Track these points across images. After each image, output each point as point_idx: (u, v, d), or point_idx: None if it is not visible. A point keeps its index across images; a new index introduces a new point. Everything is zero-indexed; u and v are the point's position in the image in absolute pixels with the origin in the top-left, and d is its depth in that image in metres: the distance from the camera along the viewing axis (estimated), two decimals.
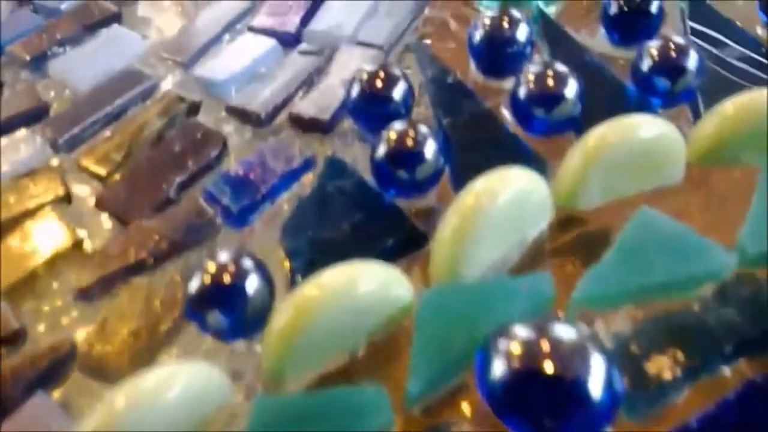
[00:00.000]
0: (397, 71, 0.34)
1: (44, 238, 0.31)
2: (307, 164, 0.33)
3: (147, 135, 0.35)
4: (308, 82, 0.38)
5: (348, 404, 0.25)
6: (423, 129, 0.31)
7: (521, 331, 0.23)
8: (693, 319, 0.27)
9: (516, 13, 0.37)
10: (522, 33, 0.37)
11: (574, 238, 0.31)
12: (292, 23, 0.41)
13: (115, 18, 0.43)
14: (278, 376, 0.26)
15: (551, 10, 0.42)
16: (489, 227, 0.28)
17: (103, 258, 0.30)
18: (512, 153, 0.33)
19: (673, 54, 0.34)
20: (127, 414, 0.23)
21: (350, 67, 0.38)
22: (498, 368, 0.23)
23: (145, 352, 0.27)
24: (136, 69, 0.39)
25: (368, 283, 0.26)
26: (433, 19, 0.42)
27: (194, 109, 0.37)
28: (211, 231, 0.31)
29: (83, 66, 0.40)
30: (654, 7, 0.38)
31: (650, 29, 0.38)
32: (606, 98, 0.35)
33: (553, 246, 0.30)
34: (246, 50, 0.39)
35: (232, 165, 0.33)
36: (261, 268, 0.27)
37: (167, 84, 0.39)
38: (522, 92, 0.33)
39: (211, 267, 0.26)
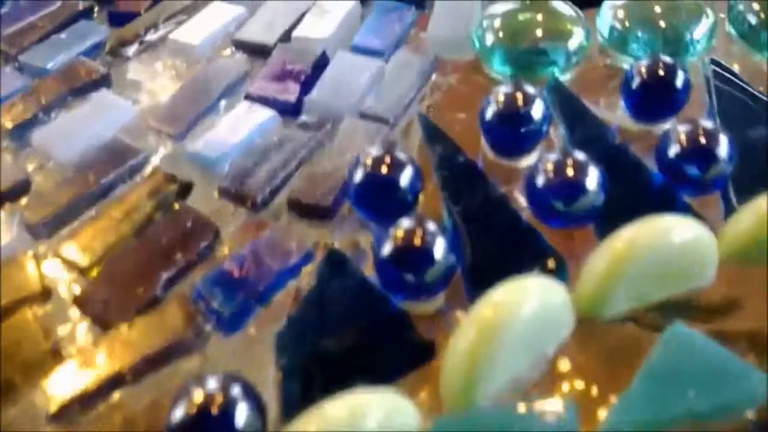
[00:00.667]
0: (403, 156, 0.32)
1: (17, 343, 0.29)
2: (306, 259, 0.31)
3: (133, 220, 0.33)
4: (309, 159, 0.35)
5: None
6: (431, 227, 0.29)
7: None
8: None
9: (530, 88, 0.34)
10: (537, 110, 0.34)
11: (597, 352, 0.28)
12: (291, 91, 0.38)
13: (104, 80, 0.41)
14: None
15: (567, 78, 0.39)
16: (508, 344, 0.25)
17: (82, 370, 0.27)
18: (530, 249, 0.30)
19: (703, 140, 0.32)
20: None
21: (354, 143, 0.35)
22: None
23: None
24: (124, 142, 0.36)
25: (372, 417, 0.24)
26: (441, 85, 0.40)
27: (185, 190, 0.34)
28: (200, 340, 0.28)
29: (68, 136, 0.37)
30: (680, 81, 0.35)
31: (676, 105, 0.35)
32: (629, 185, 0.33)
33: (574, 363, 0.28)
34: (242, 122, 0.37)
35: (224, 260, 0.30)
36: (251, 395, 0.24)
37: (157, 158, 0.36)
38: (539, 181, 0.31)
39: (197, 396, 0.24)
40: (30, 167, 0.36)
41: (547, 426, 0.24)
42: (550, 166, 0.31)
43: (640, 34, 0.40)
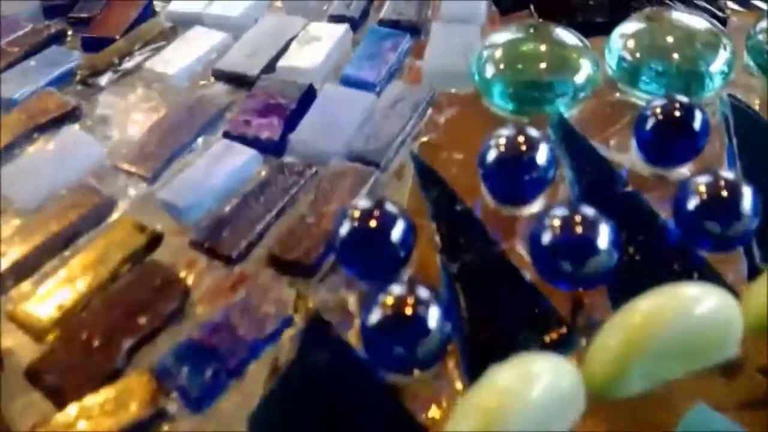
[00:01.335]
0: (394, 209, 0.29)
1: None
2: (285, 324, 0.28)
3: (97, 276, 0.30)
4: (291, 208, 0.32)
5: None
6: (424, 294, 0.26)
7: None
8: None
9: (534, 132, 0.31)
10: (542, 156, 0.31)
11: None
12: (275, 129, 0.35)
13: (74, 113, 0.38)
14: None
15: (573, 113, 0.36)
16: None
17: None
18: (534, 317, 0.27)
19: (725, 193, 0.29)
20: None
21: (341, 190, 0.32)
22: None
23: None
24: (91, 185, 0.33)
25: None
26: (437, 121, 0.37)
27: (155, 241, 0.31)
28: (164, 421, 0.25)
29: (33, 177, 0.34)
30: (698, 124, 0.32)
31: (693, 149, 0.32)
32: (643, 240, 0.30)
33: None
34: (219, 163, 0.33)
35: (193, 329, 0.27)
36: None
37: (127, 203, 0.33)
38: (545, 239, 0.28)
39: None
40: None
41: None
42: (556, 223, 0.28)
43: (652, 66, 0.37)
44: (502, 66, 0.37)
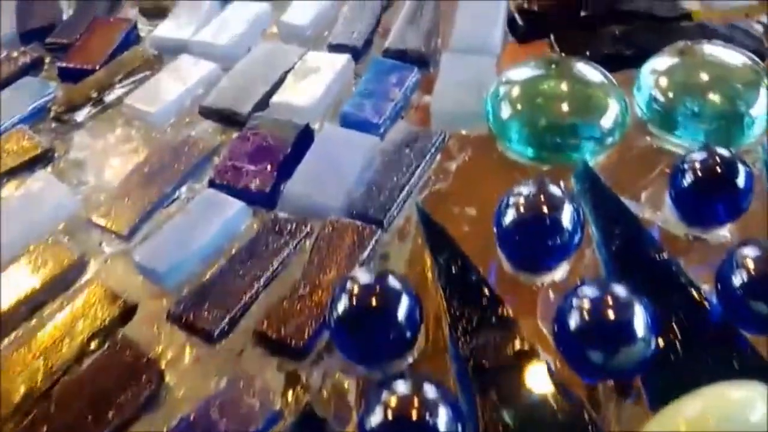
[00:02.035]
0: (398, 284, 0.25)
1: None
2: (272, 422, 0.24)
3: (64, 353, 0.26)
4: (281, 275, 0.28)
5: None
6: (432, 393, 0.22)
7: None
8: None
9: (557, 190, 0.28)
10: (567, 217, 0.27)
11: None
12: (266, 178, 0.32)
13: (48, 155, 0.34)
14: None
15: (599, 160, 0.32)
16: None
17: None
18: (559, 417, 0.24)
19: None
20: None
21: (339, 252, 0.28)
22: None
23: None
24: (61, 242, 0.30)
25: None
26: (446, 167, 0.33)
27: (128, 312, 0.28)
28: None
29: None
30: (742, 181, 0.28)
31: (735, 210, 0.29)
32: (680, 319, 0.26)
33: None
34: (204, 219, 0.30)
35: (168, 424, 0.24)
36: None
37: (99, 262, 0.30)
38: (572, 323, 0.24)
39: None
40: None
41: None
42: (585, 305, 0.24)
43: (686, 107, 0.33)
44: (519, 106, 0.33)
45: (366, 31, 0.39)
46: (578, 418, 0.23)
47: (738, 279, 0.25)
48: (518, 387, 0.24)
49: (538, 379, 0.24)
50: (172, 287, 0.28)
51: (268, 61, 0.37)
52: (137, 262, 0.29)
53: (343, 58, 0.37)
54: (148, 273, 0.29)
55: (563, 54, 0.37)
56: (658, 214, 0.30)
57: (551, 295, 0.27)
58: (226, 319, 0.26)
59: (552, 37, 0.38)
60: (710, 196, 0.29)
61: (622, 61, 0.36)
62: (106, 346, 0.27)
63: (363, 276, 0.25)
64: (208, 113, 0.35)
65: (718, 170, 0.28)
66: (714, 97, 0.33)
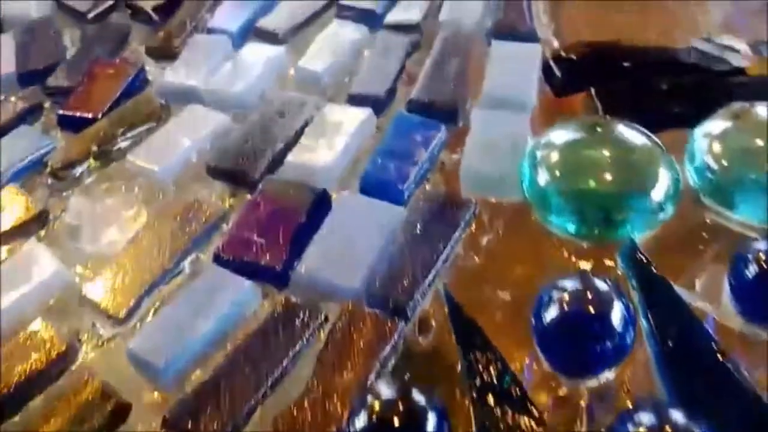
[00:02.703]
0: (423, 399, 0.22)
1: None
2: None
3: None
4: (290, 373, 0.25)
5: None
6: None
7: None
8: None
9: (604, 285, 0.25)
10: (617, 316, 0.24)
11: None
12: (278, 252, 0.29)
13: (41, 219, 0.31)
14: None
15: (648, 238, 0.29)
16: None
17: None
18: None
19: None
20: None
21: (356, 347, 0.25)
22: None
23: None
24: (49, 328, 0.27)
25: None
26: (477, 242, 0.30)
27: (122, 412, 0.25)
28: None
29: None
30: None
31: None
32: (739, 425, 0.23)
33: None
34: (207, 301, 0.27)
35: None
36: None
37: (91, 345, 0.27)
38: None
39: None
40: None
41: None
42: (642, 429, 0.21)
43: (744, 178, 0.29)
44: (558, 173, 0.30)
45: (389, 79, 0.36)
46: None
47: None
48: None
49: None
50: (171, 384, 0.26)
51: (282, 112, 0.34)
52: (133, 353, 0.26)
53: (364, 113, 0.34)
54: (143, 366, 0.26)
55: (605, 110, 0.34)
56: (714, 306, 0.27)
57: (595, 406, 0.24)
58: (229, 429, 0.24)
59: (593, 91, 0.35)
60: None
61: (670, 118, 0.33)
62: None
63: (385, 389, 0.22)
64: (216, 173, 0.32)
65: None
66: None
